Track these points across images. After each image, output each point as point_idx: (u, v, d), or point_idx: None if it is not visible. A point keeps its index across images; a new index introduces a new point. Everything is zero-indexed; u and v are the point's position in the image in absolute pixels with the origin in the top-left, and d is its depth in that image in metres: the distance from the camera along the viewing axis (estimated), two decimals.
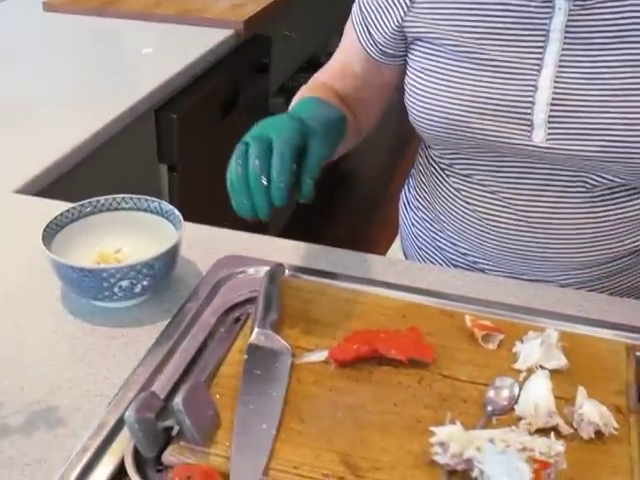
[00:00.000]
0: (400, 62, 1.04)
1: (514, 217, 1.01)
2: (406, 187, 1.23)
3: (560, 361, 0.79)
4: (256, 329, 0.81)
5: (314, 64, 2.88)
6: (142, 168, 1.64)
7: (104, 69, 1.67)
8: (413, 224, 1.17)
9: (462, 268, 1.08)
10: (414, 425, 0.71)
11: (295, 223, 2.60)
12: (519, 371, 0.78)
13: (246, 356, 0.78)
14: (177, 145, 1.69)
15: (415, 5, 0.97)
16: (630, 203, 0.98)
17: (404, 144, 2.86)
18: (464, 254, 1.09)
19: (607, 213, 0.98)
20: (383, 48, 1.02)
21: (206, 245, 1.00)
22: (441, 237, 1.11)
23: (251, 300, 0.90)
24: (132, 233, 0.94)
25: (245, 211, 0.76)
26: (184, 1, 2.03)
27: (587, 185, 0.96)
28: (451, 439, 0.66)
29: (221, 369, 0.78)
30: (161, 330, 0.85)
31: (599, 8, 0.89)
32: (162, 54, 1.74)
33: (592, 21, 0.89)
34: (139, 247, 0.92)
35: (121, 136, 1.46)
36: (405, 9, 0.98)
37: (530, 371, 0.78)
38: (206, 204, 1.76)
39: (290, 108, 0.96)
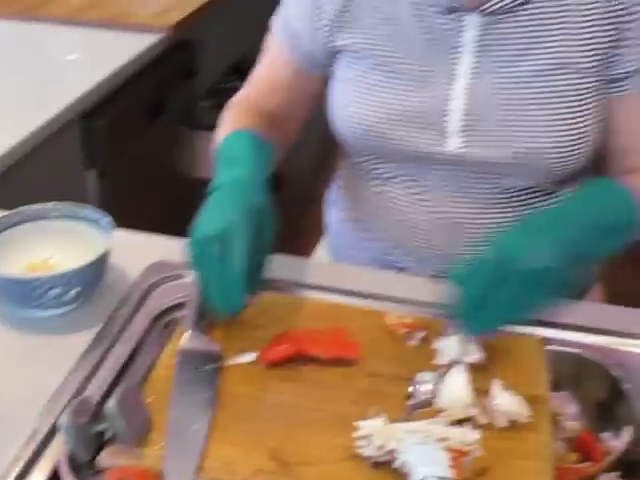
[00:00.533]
0: (328, 71, 1.07)
1: (435, 218, 1.05)
2: (331, 189, 1.27)
3: (477, 355, 0.83)
4: (187, 332, 0.83)
5: (241, 67, 2.91)
6: (70, 175, 1.64)
7: (30, 75, 1.66)
8: (339, 224, 1.21)
9: (387, 267, 1.12)
10: (340, 420, 0.75)
11: None
12: (439, 366, 0.83)
13: (177, 359, 0.81)
14: (105, 151, 1.69)
15: (336, 18, 1.01)
16: (544, 203, 1.04)
17: (330, 146, 2.90)
18: (388, 253, 1.13)
19: (523, 213, 1.03)
20: (312, 58, 1.05)
21: (136, 251, 1.01)
22: (366, 237, 1.15)
23: (181, 305, 0.92)
24: (62, 241, 0.95)
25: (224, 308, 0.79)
26: (111, 6, 2.02)
27: (503, 188, 1.02)
28: (374, 432, 0.70)
29: (153, 373, 0.81)
30: (93, 337, 0.86)
31: (508, 22, 0.94)
32: (88, 60, 1.74)
33: (502, 34, 0.95)
34: (69, 255, 0.93)
35: (48, 143, 1.45)
36: (327, 21, 1.01)
37: (449, 366, 0.82)
38: (137, 209, 1.77)
39: (218, 146, 0.96)
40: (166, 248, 1.03)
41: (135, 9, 2.01)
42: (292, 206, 3.06)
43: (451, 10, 0.95)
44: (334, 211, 1.23)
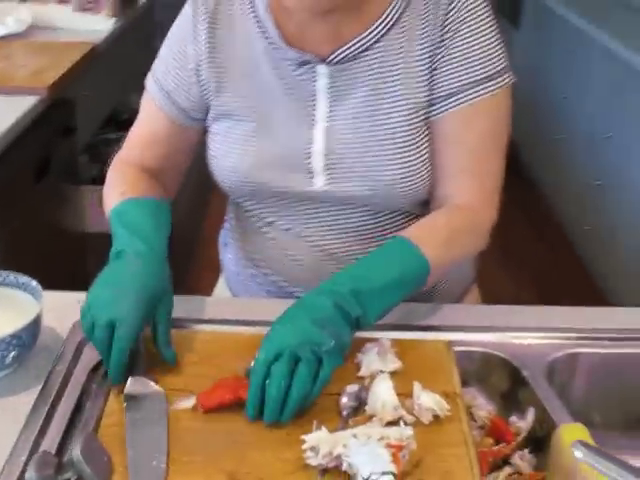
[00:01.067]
0: (202, 123, 1.15)
1: (316, 251, 1.15)
2: (223, 230, 1.34)
3: (395, 364, 0.93)
4: (130, 378, 0.89)
5: (116, 120, 2.94)
6: None
7: None
8: (233, 263, 1.28)
9: (283, 297, 1.19)
10: (285, 438, 0.83)
11: None
12: (363, 378, 0.92)
13: (125, 404, 0.86)
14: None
15: (204, 75, 1.09)
16: (410, 222, 1.12)
17: (209, 186, 2.97)
18: (281, 286, 1.21)
19: (392, 232, 1.12)
20: (186, 113, 1.13)
21: (56, 308, 1.04)
22: (259, 273, 1.22)
23: None
24: None
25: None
26: None
27: (370, 217, 1.12)
28: (320, 442, 0.78)
29: (103, 420, 0.85)
30: (36, 395, 0.90)
31: (354, 69, 1.05)
32: None
33: (350, 80, 1.06)
34: None
35: None
36: (195, 78, 1.10)
37: (372, 376, 0.91)
38: (33, 267, 1.78)
39: (114, 211, 1.04)
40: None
41: (10, 73, 2.02)
42: (180, 248, 3.10)
43: (302, 63, 1.06)
44: (227, 251, 1.30)
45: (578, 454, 0.67)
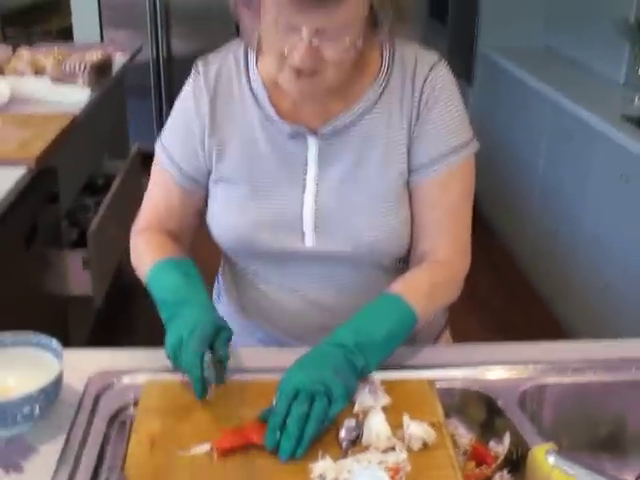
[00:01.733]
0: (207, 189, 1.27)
1: (305, 303, 1.26)
2: (216, 285, 1.45)
3: (385, 400, 1.04)
4: None
5: (92, 186, 3.05)
6: None
7: None
8: (226, 314, 1.38)
9: (272, 345, 1.30)
10: (295, 468, 0.93)
11: (96, 339, 2.71)
12: (358, 414, 1.03)
13: None
14: None
15: (206, 145, 1.22)
16: (390, 279, 1.21)
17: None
18: (271, 335, 1.32)
19: (374, 290, 1.21)
20: (196, 179, 1.25)
21: (71, 365, 1.13)
22: (252, 324, 1.33)
23: (129, 406, 1.07)
24: (7, 368, 1.06)
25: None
26: None
27: (355, 272, 1.24)
28: (326, 470, 0.89)
29: (127, 466, 0.94)
30: (62, 444, 0.99)
31: (341, 140, 1.19)
32: None
33: (337, 150, 1.19)
34: (21, 377, 1.05)
35: None
36: (200, 149, 1.22)
37: (365, 412, 1.02)
38: (15, 327, 1.85)
39: (148, 278, 1.18)
40: (94, 359, 1.17)
41: None
42: None
43: (295, 135, 1.19)
44: (221, 302, 1.40)
45: (551, 460, 0.79)
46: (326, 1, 0.98)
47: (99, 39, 4.82)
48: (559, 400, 1.17)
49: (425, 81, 1.17)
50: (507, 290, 3.46)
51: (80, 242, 2.66)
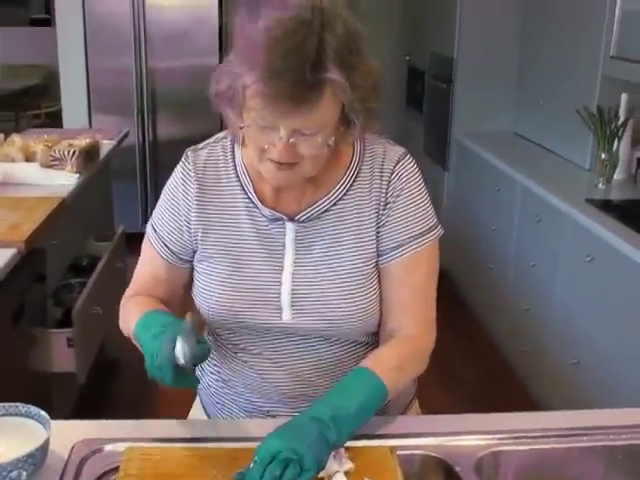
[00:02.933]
0: (192, 264, 1.37)
1: (286, 374, 1.35)
2: None
3: (348, 465, 1.12)
4: None
5: (76, 266, 3.13)
6: None
7: None
8: (210, 386, 1.47)
9: (256, 413, 1.39)
10: None
11: (79, 412, 2.75)
12: (324, 478, 1.10)
13: None
14: None
15: (192, 227, 1.32)
16: (363, 350, 1.35)
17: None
18: (254, 403, 1.39)
19: (349, 361, 1.34)
20: (182, 257, 1.35)
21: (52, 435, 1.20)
22: (234, 392, 1.41)
23: (111, 471, 1.14)
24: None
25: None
26: None
27: (330, 345, 1.33)
28: None
29: None
30: None
31: (317, 225, 1.30)
32: None
33: (313, 234, 1.30)
34: (6, 447, 1.12)
35: None
36: (186, 230, 1.33)
37: (330, 476, 1.10)
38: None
39: (138, 325, 1.25)
40: (77, 429, 1.24)
41: None
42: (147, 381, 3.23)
43: (274, 220, 1.30)
44: (204, 376, 1.48)
45: None
46: (300, 107, 1.10)
47: (87, 123, 4.99)
48: (514, 466, 1.25)
49: (392, 173, 1.30)
50: (482, 366, 3.55)
51: (64, 321, 2.73)
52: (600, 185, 3.08)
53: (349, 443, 1.18)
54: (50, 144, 2.97)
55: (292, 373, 1.34)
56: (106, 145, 3.47)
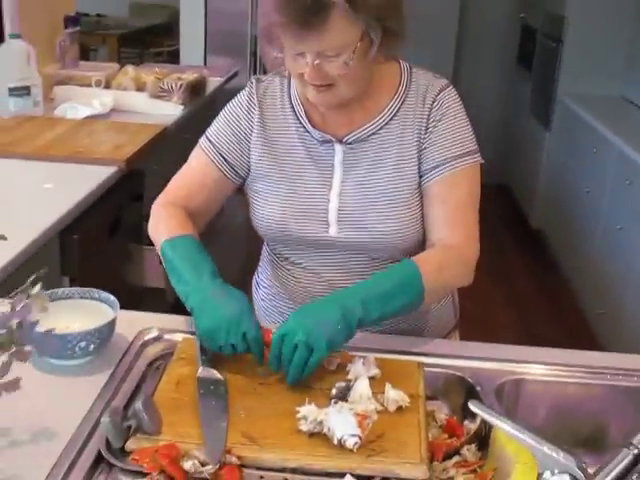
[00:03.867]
0: (242, 181, 1.49)
1: (327, 286, 1.47)
2: (256, 273, 1.68)
3: (375, 371, 1.23)
4: (200, 368, 1.21)
5: None
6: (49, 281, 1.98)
7: (14, 202, 2.03)
8: (263, 299, 1.62)
9: None
10: (286, 413, 1.13)
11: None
12: (350, 379, 1.22)
13: (197, 384, 1.18)
14: (77, 260, 2.06)
15: (252, 144, 1.45)
16: None
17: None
18: None
19: None
20: (236, 169, 1.47)
21: (127, 322, 1.37)
22: (282, 305, 1.56)
23: (165, 356, 1.30)
24: (77, 314, 1.31)
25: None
26: (70, 144, 2.44)
27: (370, 260, 1.45)
28: (309, 413, 1.09)
29: (156, 394, 1.17)
30: (108, 376, 1.23)
31: (363, 147, 1.41)
32: (61, 188, 2.13)
33: (358, 157, 1.42)
34: (81, 323, 1.29)
35: (35, 256, 1.80)
36: (245, 145, 1.45)
37: (356, 379, 1.21)
38: None
39: (166, 236, 1.36)
40: (146, 320, 1.41)
41: (94, 146, 2.43)
42: None
43: (324, 142, 1.42)
44: (258, 290, 1.64)
45: (473, 408, 0.96)
46: (311, 31, 1.21)
47: (202, 62, 5.19)
48: (536, 395, 1.32)
49: (434, 101, 1.39)
50: (560, 325, 3.56)
51: None
52: None
53: (380, 356, 1.29)
54: (160, 77, 3.16)
55: (331, 285, 1.46)
56: (213, 82, 3.64)
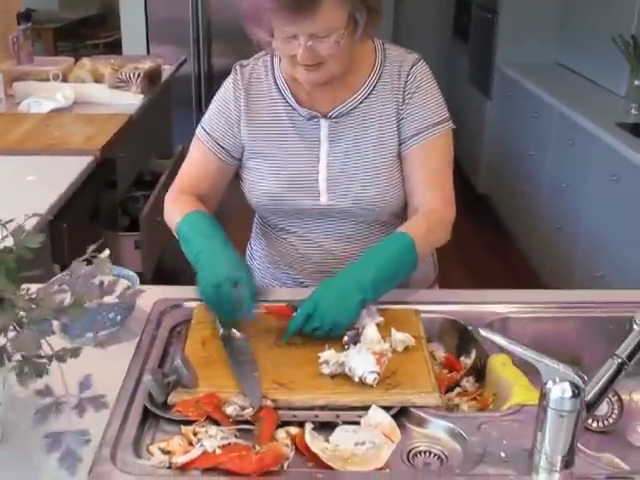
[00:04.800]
0: (238, 162, 1.60)
1: (320, 252, 1.61)
2: (248, 245, 1.80)
3: (379, 319, 1.37)
4: (221, 329, 1.33)
5: (140, 181, 3.41)
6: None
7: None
8: (258, 269, 1.73)
9: (295, 286, 1.65)
10: (308, 360, 1.26)
11: None
12: (358, 327, 1.35)
13: (222, 341, 1.30)
14: (65, 248, 2.14)
15: (241, 124, 1.56)
16: (384, 231, 1.59)
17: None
18: (294, 278, 1.66)
19: (371, 240, 1.59)
20: (230, 152, 1.58)
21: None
22: (277, 271, 1.68)
23: (185, 322, 1.41)
24: None
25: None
26: (43, 137, 2.50)
27: (358, 224, 1.58)
28: (330, 357, 1.22)
29: (185, 353, 1.28)
30: (135, 344, 1.33)
31: (346, 121, 1.53)
32: (46, 179, 2.20)
33: (343, 130, 1.54)
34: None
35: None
36: (236, 128, 1.56)
37: (364, 327, 1.35)
38: None
39: (183, 222, 1.48)
40: (159, 291, 1.52)
41: (67, 138, 2.50)
42: None
43: (310, 118, 1.54)
44: (253, 254, 1.76)
45: (483, 332, 1.11)
46: (302, 14, 1.32)
47: (145, 52, 5.22)
48: (519, 331, 1.48)
49: (408, 75, 1.53)
50: (513, 280, 3.76)
51: (130, 228, 3.03)
52: (633, 111, 3.23)
53: (380, 306, 1.42)
54: (117, 67, 3.22)
55: (324, 249, 1.60)
56: (165, 71, 3.71)
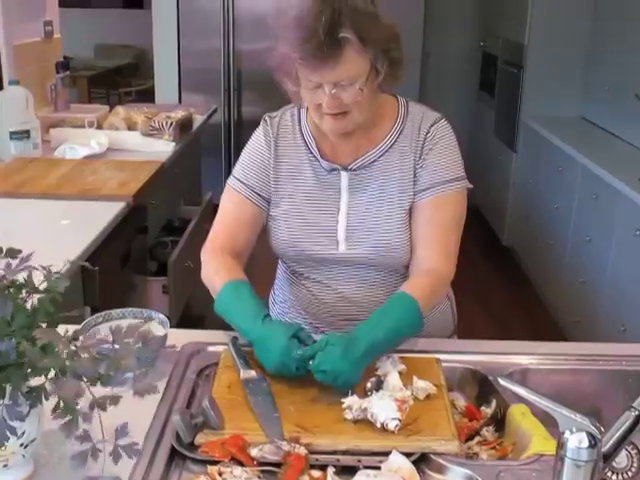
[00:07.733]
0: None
1: (338, 299, 1.65)
2: (272, 291, 1.85)
3: (401, 367, 1.40)
4: (241, 371, 1.37)
5: (169, 226, 3.48)
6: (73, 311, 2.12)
7: (35, 239, 2.15)
8: (278, 311, 1.78)
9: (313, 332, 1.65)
10: (332, 405, 1.29)
11: None
12: (380, 375, 1.38)
13: (244, 384, 1.34)
14: (96, 291, 2.19)
15: (270, 175, 1.62)
16: (400, 278, 1.63)
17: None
18: (312, 324, 1.70)
19: (389, 288, 1.63)
20: (265, 198, 1.64)
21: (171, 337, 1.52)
22: (296, 317, 1.73)
23: (212, 365, 1.45)
24: None
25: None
26: (78, 182, 2.58)
27: (376, 273, 1.63)
28: (353, 402, 1.25)
29: (212, 395, 1.32)
30: (164, 385, 1.37)
31: (366, 173, 1.60)
32: (79, 223, 2.27)
33: (363, 182, 1.60)
34: None
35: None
36: (268, 176, 1.63)
37: (385, 374, 1.38)
38: None
39: (227, 294, 1.49)
40: (186, 336, 1.56)
41: (99, 184, 2.57)
42: None
43: (332, 170, 1.60)
44: (275, 304, 1.81)
45: (502, 382, 1.13)
46: (327, 63, 1.39)
47: (177, 100, 5.36)
48: (540, 382, 1.50)
49: (427, 132, 1.58)
50: (537, 334, 3.76)
51: (158, 273, 3.09)
52: None
53: (401, 353, 1.46)
54: (150, 115, 3.32)
55: (344, 298, 1.65)
56: (197, 119, 3.81)
